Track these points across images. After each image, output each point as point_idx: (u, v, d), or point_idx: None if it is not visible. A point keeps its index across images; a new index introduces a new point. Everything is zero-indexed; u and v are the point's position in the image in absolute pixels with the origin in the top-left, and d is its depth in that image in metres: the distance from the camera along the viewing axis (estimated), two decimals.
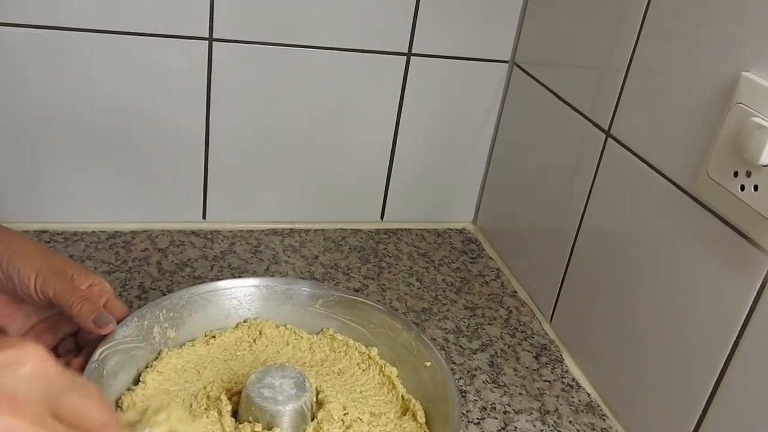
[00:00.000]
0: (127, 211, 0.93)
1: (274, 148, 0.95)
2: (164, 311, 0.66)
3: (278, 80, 0.90)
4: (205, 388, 0.63)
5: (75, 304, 0.60)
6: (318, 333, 0.73)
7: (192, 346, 0.67)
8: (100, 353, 0.59)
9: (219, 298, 0.71)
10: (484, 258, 1.01)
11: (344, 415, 0.62)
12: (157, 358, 0.65)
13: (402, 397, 0.68)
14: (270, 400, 0.59)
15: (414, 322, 0.84)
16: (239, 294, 0.72)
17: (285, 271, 0.90)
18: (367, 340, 0.72)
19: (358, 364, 0.71)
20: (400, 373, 0.70)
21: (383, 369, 0.70)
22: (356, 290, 0.88)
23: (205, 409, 0.60)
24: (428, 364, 0.68)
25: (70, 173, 0.88)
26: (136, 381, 0.63)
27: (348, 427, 0.62)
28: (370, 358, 0.71)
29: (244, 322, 0.71)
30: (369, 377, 0.70)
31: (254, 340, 0.70)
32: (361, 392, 0.68)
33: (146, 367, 0.64)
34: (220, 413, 0.59)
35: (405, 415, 0.66)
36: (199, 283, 0.71)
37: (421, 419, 0.65)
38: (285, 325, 0.72)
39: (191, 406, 0.61)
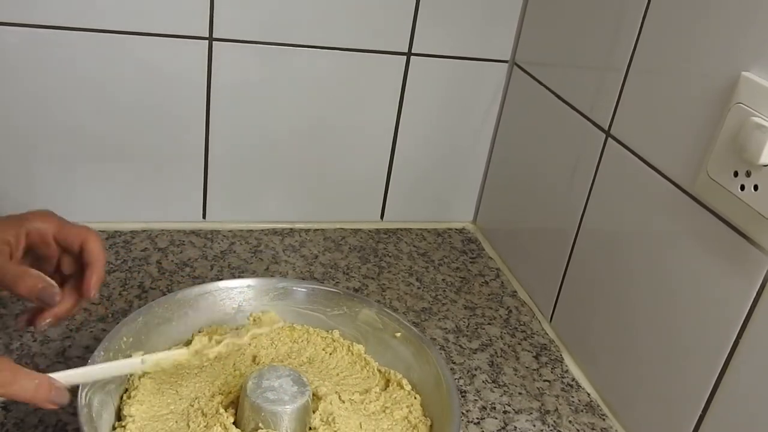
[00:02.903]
0: (126, 211, 0.93)
1: (274, 147, 0.95)
2: (124, 338, 0.63)
3: (278, 80, 0.90)
4: (192, 405, 0.62)
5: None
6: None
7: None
8: (85, 395, 0.57)
9: (171, 314, 0.69)
10: (484, 258, 1.01)
11: (339, 398, 0.63)
12: (128, 388, 0.63)
13: (378, 370, 0.69)
14: (278, 402, 0.59)
15: (414, 322, 0.84)
16: (192, 304, 0.70)
17: (285, 270, 0.90)
18: (325, 324, 0.73)
19: (323, 349, 0.72)
20: (367, 349, 0.71)
21: (350, 348, 0.71)
22: (356, 290, 0.88)
23: (206, 426, 0.60)
24: (398, 334, 0.70)
25: (70, 172, 0.88)
26: (118, 416, 0.61)
27: (347, 409, 0.62)
28: (334, 340, 0.72)
29: (200, 331, 0.70)
30: (339, 359, 0.71)
31: None
32: (337, 374, 0.69)
33: (121, 399, 0.62)
34: (225, 427, 0.59)
35: (388, 386, 0.68)
36: (149, 302, 0.68)
37: (407, 386, 0.67)
38: (240, 327, 0.72)
39: (188, 425, 0.60)
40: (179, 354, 0.60)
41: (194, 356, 0.61)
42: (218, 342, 0.61)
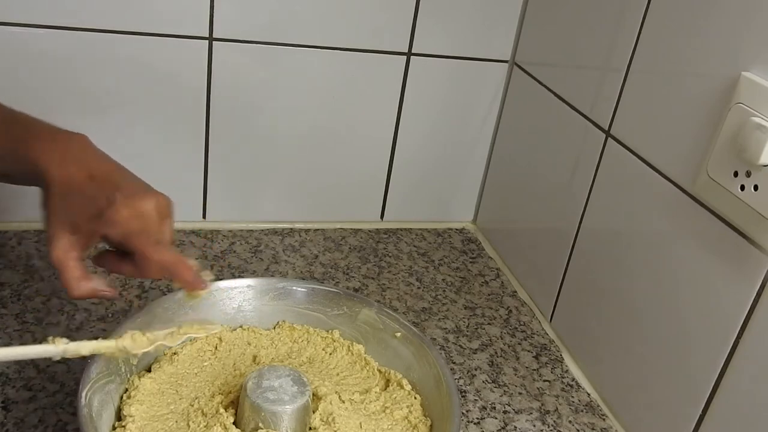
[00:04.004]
0: None
1: (274, 147, 0.95)
2: None
3: (278, 80, 0.90)
4: (192, 405, 0.62)
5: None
6: (275, 327, 0.73)
7: (159, 367, 0.65)
8: (85, 395, 0.57)
9: (171, 314, 0.68)
10: (484, 258, 1.01)
11: (339, 398, 0.63)
12: (128, 388, 0.62)
13: (378, 370, 0.69)
14: (278, 402, 0.59)
15: (414, 322, 0.84)
16: (192, 305, 0.69)
17: (285, 270, 0.90)
18: (325, 324, 0.73)
19: (323, 349, 0.72)
20: (367, 349, 0.71)
21: (350, 348, 0.71)
22: (356, 290, 0.88)
23: (206, 426, 0.59)
24: (398, 334, 0.70)
25: None
26: (118, 416, 0.61)
27: (347, 409, 0.62)
28: (334, 341, 0.72)
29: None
30: (339, 359, 0.71)
31: (215, 347, 0.69)
32: (338, 374, 0.69)
33: (121, 399, 0.62)
34: (225, 427, 0.59)
35: (388, 386, 0.68)
36: (149, 302, 0.68)
37: (407, 386, 0.67)
38: (241, 326, 0.72)
39: (188, 425, 0.60)
40: (103, 346, 0.59)
41: (119, 351, 0.59)
42: (150, 341, 0.60)
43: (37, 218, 0.90)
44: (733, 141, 0.59)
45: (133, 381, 0.63)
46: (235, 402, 0.62)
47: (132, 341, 0.59)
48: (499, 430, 0.72)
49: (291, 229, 1.00)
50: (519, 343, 0.85)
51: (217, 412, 0.60)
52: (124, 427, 0.59)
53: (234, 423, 0.60)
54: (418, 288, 0.92)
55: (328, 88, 0.93)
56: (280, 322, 0.73)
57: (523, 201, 0.96)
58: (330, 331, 0.73)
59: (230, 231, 0.97)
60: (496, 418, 0.73)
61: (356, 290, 0.88)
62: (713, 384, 0.62)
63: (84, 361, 0.60)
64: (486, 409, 0.74)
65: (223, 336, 0.70)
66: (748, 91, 0.58)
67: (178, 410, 0.62)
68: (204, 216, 0.97)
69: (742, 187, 0.58)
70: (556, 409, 0.75)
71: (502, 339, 0.85)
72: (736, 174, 0.59)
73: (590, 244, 0.81)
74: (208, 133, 0.91)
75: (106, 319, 0.77)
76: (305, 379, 0.61)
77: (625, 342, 0.74)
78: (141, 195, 0.58)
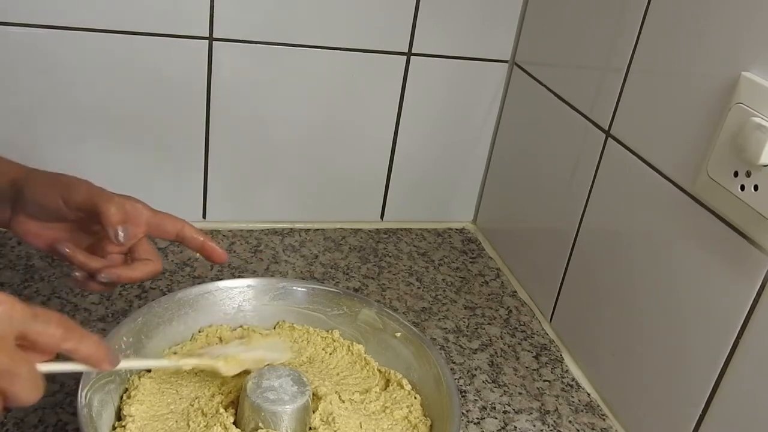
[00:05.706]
0: None
1: (274, 147, 0.95)
2: (124, 338, 0.63)
3: (278, 80, 0.90)
4: (192, 405, 0.62)
5: (106, 203, 0.61)
6: (275, 327, 0.73)
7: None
8: (85, 395, 0.57)
9: (171, 314, 0.68)
10: (484, 258, 1.01)
11: (339, 398, 0.64)
12: (128, 388, 0.63)
13: (378, 370, 0.70)
14: (278, 402, 0.59)
15: (414, 322, 0.84)
16: (192, 304, 0.70)
17: (285, 270, 0.90)
18: (325, 324, 0.73)
19: (323, 349, 0.72)
20: (367, 349, 0.71)
21: (350, 348, 0.71)
22: (356, 290, 0.88)
23: (206, 426, 0.60)
24: (398, 334, 0.71)
25: (69, 173, 0.88)
26: (118, 416, 0.61)
27: (347, 409, 0.62)
28: (334, 340, 0.72)
29: (200, 331, 0.70)
30: (339, 359, 0.71)
31: None
32: (337, 374, 0.69)
33: (121, 399, 0.62)
34: (225, 427, 0.59)
35: (388, 386, 0.68)
36: (149, 302, 0.68)
37: (407, 386, 0.67)
38: (241, 326, 0.72)
39: (188, 425, 0.60)
40: (203, 365, 0.63)
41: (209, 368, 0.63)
42: (239, 365, 0.64)
43: None
44: (733, 141, 0.59)
45: (133, 381, 0.63)
46: (235, 402, 0.62)
47: (225, 364, 0.63)
48: (499, 430, 0.72)
49: (291, 229, 1.00)
50: (519, 343, 0.85)
51: (217, 412, 0.60)
52: (124, 427, 0.59)
53: (234, 423, 0.60)
54: (418, 288, 0.92)
55: (328, 88, 0.93)
56: (280, 322, 0.73)
57: (523, 201, 0.96)
58: (330, 331, 0.73)
59: (230, 231, 0.97)
60: (496, 418, 0.73)
61: (356, 290, 0.88)
62: (713, 384, 0.62)
63: None
64: (486, 409, 0.74)
65: (223, 335, 0.70)
66: (748, 91, 0.58)
67: (178, 410, 0.62)
68: (204, 216, 0.97)
69: (742, 187, 0.58)
70: (556, 409, 0.75)
71: (502, 339, 0.85)
72: (736, 174, 0.59)
73: (590, 244, 0.81)
74: (208, 133, 0.91)
75: (106, 319, 0.77)
76: (305, 379, 0.61)
77: (625, 342, 0.74)
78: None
